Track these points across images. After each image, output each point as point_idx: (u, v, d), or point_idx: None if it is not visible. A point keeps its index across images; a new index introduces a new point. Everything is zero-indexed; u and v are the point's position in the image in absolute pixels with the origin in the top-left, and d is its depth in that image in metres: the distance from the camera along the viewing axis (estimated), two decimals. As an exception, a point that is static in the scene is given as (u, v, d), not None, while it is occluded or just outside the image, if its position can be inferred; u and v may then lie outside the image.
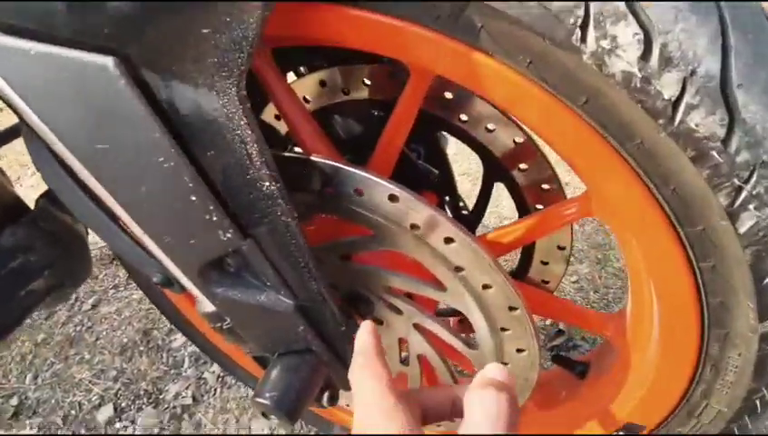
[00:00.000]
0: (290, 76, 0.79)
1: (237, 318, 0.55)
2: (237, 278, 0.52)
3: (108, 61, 0.36)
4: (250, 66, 0.39)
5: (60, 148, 0.43)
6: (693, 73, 0.36)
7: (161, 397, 1.29)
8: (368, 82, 0.71)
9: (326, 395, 0.63)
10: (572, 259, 1.60)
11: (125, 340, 1.41)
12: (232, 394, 1.29)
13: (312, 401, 0.59)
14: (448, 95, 0.70)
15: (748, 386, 0.55)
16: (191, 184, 0.43)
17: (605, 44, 0.36)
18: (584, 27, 0.36)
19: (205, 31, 0.36)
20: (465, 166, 1.87)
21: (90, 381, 1.33)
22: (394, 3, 0.41)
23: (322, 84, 0.73)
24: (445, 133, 0.77)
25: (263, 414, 0.56)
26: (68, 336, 1.43)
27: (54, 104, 0.39)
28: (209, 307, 0.57)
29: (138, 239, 0.52)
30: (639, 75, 0.37)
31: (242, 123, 0.41)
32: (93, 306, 1.50)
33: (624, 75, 0.37)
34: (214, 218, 0.45)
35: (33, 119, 0.42)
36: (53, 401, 1.30)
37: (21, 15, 0.36)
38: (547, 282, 0.89)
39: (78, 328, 1.45)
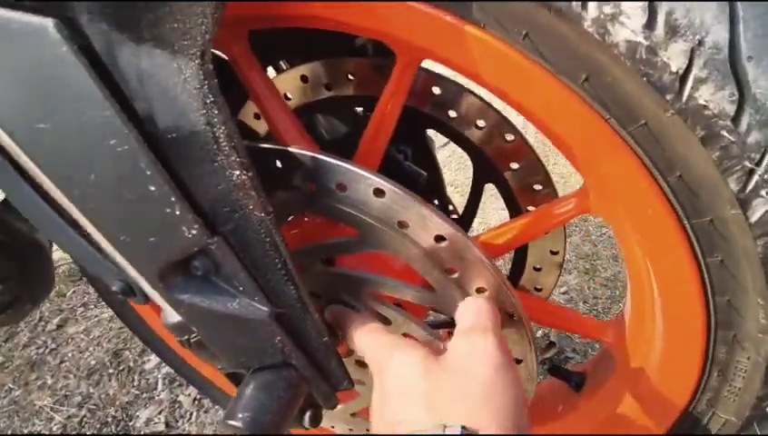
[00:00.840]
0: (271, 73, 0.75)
1: (205, 329, 0.49)
2: (204, 283, 0.46)
3: (48, 23, 0.32)
4: (215, 38, 0.35)
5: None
6: (700, 43, 0.33)
7: (130, 424, 1.20)
8: (352, 77, 0.67)
9: (307, 415, 0.58)
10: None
11: (93, 362, 1.32)
12: (209, 418, 1.21)
13: (292, 423, 0.54)
14: (437, 91, 0.66)
15: (758, 392, 0.51)
16: (148, 172, 0.38)
17: (608, 9, 0.33)
18: (585, -9, 0.33)
19: (162, -10, 0.32)
20: (451, 177, 1.84)
21: (51, 408, 1.23)
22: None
23: (304, 79, 0.69)
24: (434, 131, 0.73)
25: (235, 436, 0.50)
26: (29, 359, 1.34)
27: (-12, 77, 0.35)
28: (174, 317, 0.51)
29: (92, 239, 0.47)
30: (645, 45, 0.33)
31: (208, 101, 0.37)
32: (59, 326, 1.41)
33: (628, 45, 0.34)
34: (177, 212, 0.40)
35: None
36: (9, 430, 1.21)
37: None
38: (540, 290, 0.85)
39: (41, 350, 1.36)
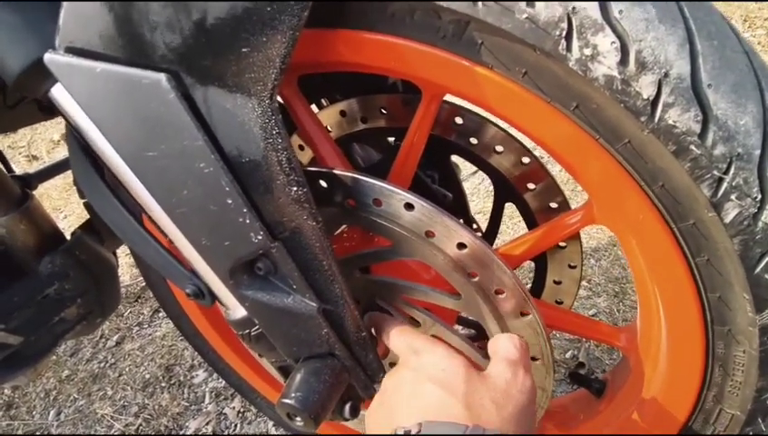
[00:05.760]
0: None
1: (265, 321, 0.59)
2: (265, 281, 0.56)
3: (161, 77, 0.43)
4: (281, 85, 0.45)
5: (112, 156, 0.49)
6: (666, 75, 0.42)
7: (181, 433, 1.30)
8: (384, 111, 0.78)
9: (348, 406, 0.65)
10: (590, 293, 1.62)
11: (148, 376, 1.44)
12: (252, 430, 1.29)
13: (334, 406, 0.61)
14: (459, 121, 0.76)
15: (756, 385, 0.56)
16: (227, 189, 0.48)
17: (588, 51, 0.42)
18: (568, 38, 0.41)
19: (245, 50, 0.42)
20: (480, 205, 1.92)
21: (112, 417, 1.35)
22: (405, 26, 0.47)
23: (342, 113, 0.80)
24: (458, 156, 0.82)
25: (288, 416, 0.58)
26: (92, 372, 1.47)
27: (113, 116, 0.46)
28: (238, 314, 0.61)
29: (173, 247, 0.58)
30: (619, 78, 0.42)
31: (275, 132, 0.47)
32: (118, 343, 1.55)
33: (606, 79, 0.42)
34: (247, 221, 0.50)
35: (89, 130, 0.49)
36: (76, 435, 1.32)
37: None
38: (561, 303, 0.91)
39: (102, 364, 1.49)
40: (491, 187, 2.15)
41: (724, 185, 0.44)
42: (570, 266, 0.85)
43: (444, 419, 0.46)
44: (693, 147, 0.43)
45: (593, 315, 1.56)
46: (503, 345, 0.54)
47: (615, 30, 0.41)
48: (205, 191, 0.49)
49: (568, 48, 0.42)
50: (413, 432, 0.45)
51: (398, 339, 0.58)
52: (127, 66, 0.44)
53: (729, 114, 0.42)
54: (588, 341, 1.48)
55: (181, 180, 0.48)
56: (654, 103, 0.42)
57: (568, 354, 1.43)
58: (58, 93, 0.48)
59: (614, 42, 0.41)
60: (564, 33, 0.41)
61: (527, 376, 0.52)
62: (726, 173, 0.44)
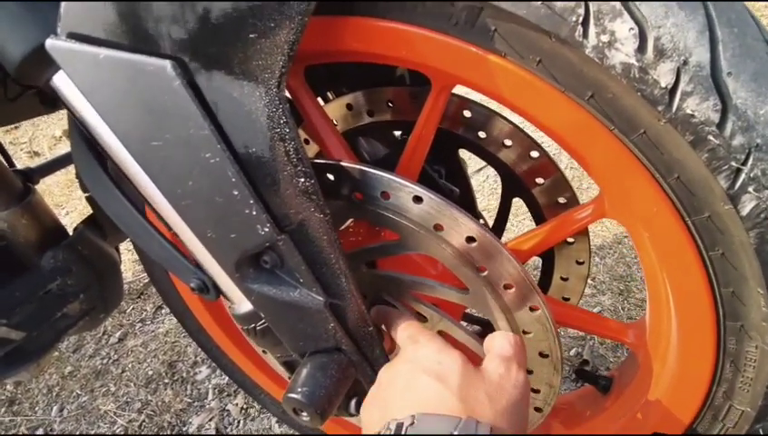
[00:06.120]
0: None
1: (271, 315, 0.58)
2: (272, 275, 0.55)
3: (166, 64, 0.42)
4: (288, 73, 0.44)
5: (115, 146, 0.48)
6: (685, 62, 0.40)
7: (184, 429, 1.29)
8: (391, 104, 0.77)
9: (353, 401, 0.65)
10: (594, 291, 1.61)
11: (150, 372, 1.43)
12: (255, 426, 1.28)
13: (340, 402, 0.61)
14: (467, 114, 0.75)
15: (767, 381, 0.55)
16: (233, 179, 0.47)
17: (605, 38, 0.41)
18: (585, 24, 0.40)
19: (252, 36, 0.41)
20: (485, 202, 1.91)
21: (114, 413, 1.34)
22: (417, 12, 0.46)
23: (349, 107, 0.79)
24: (465, 150, 0.81)
25: (294, 411, 0.57)
26: (95, 368, 1.46)
27: (117, 104, 0.45)
28: (243, 308, 0.60)
29: (178, 241, 0.57)
30: (637, 66, 0.41)
31: (282, 121, 0.46)
32: (120, 339, 1.54)
33: (623, 66, 0.41)
34: (253, 212, 0.49)
35: (92, 120, 0.48)
36: (77, 432, 1.31)
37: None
38: (568, 300, 0.90)
39: (105, 361, 1.49)
40: (495, 185, 2.14)
41: (742, 177, 0.43)
42: (578, 262, 0.84)
43: (438, 411, 0.46)
44: (711, 137, 0.42)
45: (598, 313, 1.55)
46: (498, 342, 0.55)
47: (633, 16, 0.40)
48: (211, 182, 0.48)
49: (585, 35, 0.41)
50: (406, 425, 0.45)
51: (403, 332, 0.57)
52: (131, 53, 0.43)
53: (749, 104, 0.41)
54: (592, 339, 1.47)
55: (186, 170, 0.47)
56: (673, 91, 0.41)
57: (572, 352, 1.42)
58: (60, 81, 0.47)
59: (632, 28, 0.40)
60: (580, 18, 0.40)
61: (521, 372, 0.52)
62: (744, 164, 0.43)
